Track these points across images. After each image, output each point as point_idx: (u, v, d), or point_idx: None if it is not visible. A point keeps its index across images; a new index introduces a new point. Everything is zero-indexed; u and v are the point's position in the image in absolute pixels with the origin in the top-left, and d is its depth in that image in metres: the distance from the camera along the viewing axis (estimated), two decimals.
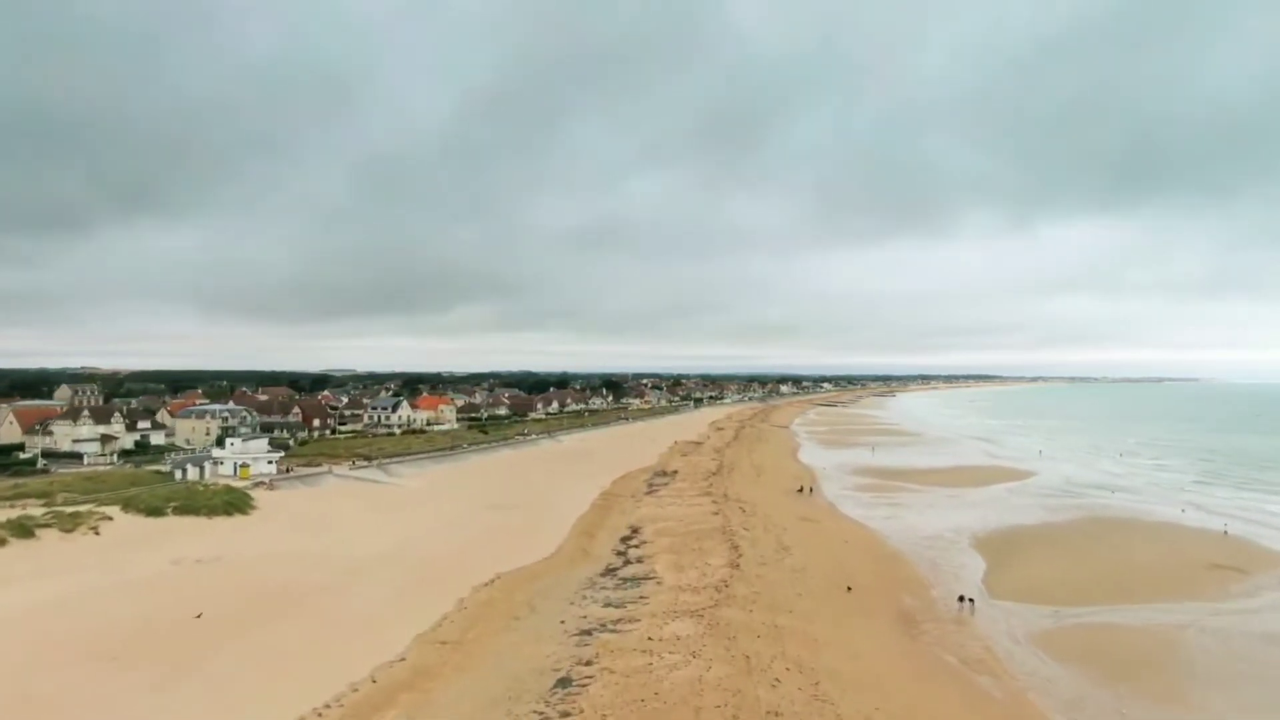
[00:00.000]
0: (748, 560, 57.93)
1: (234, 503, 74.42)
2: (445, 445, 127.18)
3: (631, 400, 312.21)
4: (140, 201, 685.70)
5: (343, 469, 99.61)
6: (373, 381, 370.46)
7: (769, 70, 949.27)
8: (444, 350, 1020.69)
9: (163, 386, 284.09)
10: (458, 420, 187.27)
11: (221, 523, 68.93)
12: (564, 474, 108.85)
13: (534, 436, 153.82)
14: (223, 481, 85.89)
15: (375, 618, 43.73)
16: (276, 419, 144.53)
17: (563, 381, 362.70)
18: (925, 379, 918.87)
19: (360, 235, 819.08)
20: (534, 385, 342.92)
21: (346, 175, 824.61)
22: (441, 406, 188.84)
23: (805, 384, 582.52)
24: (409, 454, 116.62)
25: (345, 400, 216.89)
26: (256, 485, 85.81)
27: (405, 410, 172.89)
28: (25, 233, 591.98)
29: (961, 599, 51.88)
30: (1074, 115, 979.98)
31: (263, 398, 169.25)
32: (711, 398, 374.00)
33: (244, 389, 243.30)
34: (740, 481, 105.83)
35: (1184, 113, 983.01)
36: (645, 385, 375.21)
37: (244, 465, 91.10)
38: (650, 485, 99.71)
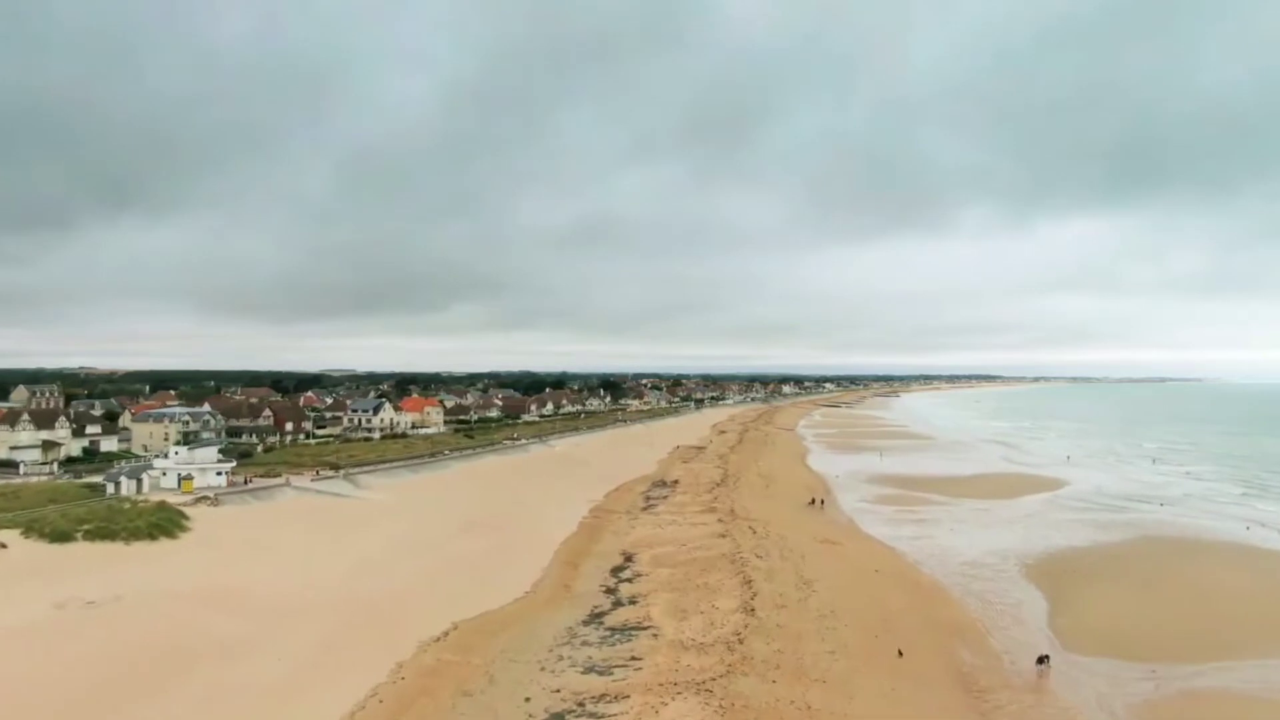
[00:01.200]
0: (764, 600, 47.47)
1: (162, 524, 63.90)
2: (425, 452, 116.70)
3: (630, 401, 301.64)
4: (124, 199, 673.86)
5: (304, 480, 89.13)
6: (370, 382, 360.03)
7: (759, 62, 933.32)
8: (443, 350, 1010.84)
9: (146, 387, 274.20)
10: (445, 423, 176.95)
11: (141, 549, 58.41)
12: (552, 485, 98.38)
13: (524, 441, 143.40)
14: (161, 496, 75.42)
15: (279, 692, 33.24)
16: (245, 423, 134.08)
17: (559, 382, 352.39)
18: (927, 379, 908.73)
19: (351, 233, 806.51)
20: (529, 386, 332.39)
21: (333, 171, 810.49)
22: (428, 408, 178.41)
23: (807, 384, 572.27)
24: (383, 462, 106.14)
25: (330, 401, 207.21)
26: (199, 501, 75.30)
27: (388, 413, 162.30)
28: (10, 230, 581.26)
29: (1041, 659, 41.23)
30: (1070, 109, 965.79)
31: (239, 399, 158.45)
32: (713, 398, 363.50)
33: (231, 390, 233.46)
34: (748, 493, 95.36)
35: (1182, 106, 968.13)
36: (645, 386, 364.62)
37: (188, 477, 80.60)
38: (648, 499, 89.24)
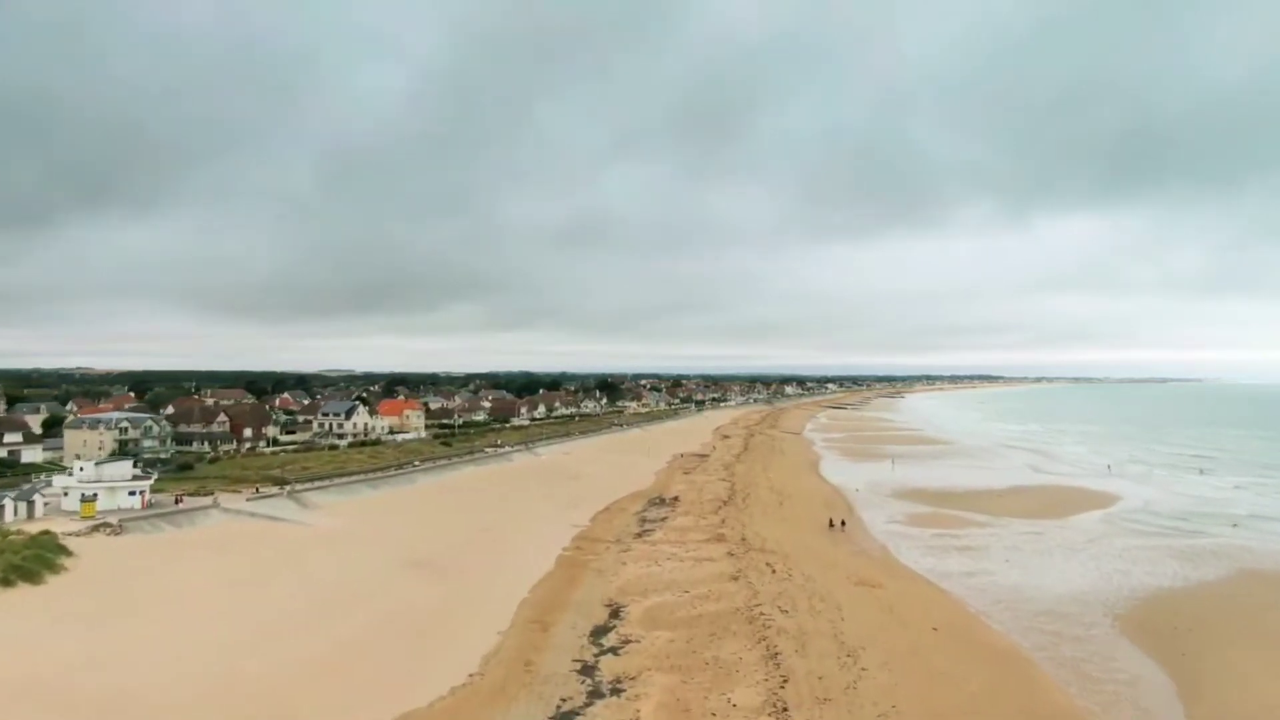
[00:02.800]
0: (799, 688, 34.20)
1: (28, 564, 50.45)
2: (392, 462, 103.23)
3: (628, 403, 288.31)
4: (104, 195, 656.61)
5: (238, 500, 75.73)
6: (367, 382, 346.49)
7: (748, 54, 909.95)
8: (443, 350, 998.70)
9: (125, 388, 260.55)
10: (427, 427, 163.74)
11: None
12: (532, 503, 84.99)
13: (507, 449, 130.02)
14: (52, 522, 62.09)
15: None
16: (197, 429, 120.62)
17: (555, 383, 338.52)
18: (929, 379, 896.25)
19: (341, 231, 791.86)
20: (522, 387, 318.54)
21: (316, 167, 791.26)
22: (407, 412, 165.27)
23: (810, 385, 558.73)
24: (342, 475, 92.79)
25: (307, 403, 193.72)
26: (96, 528, 61.96)
27: (362, 417, 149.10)
28: None
29: None
30: (1069, 102, 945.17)
31: (192, 402, 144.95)
32: (714, 400, 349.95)
33: (201, 391, 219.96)
34: (759, 513, 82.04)
35: (1183, 101, 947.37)
36: (643, 386, 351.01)
37: (91, 498, 67.15)
38: (643, 521, 75.81)
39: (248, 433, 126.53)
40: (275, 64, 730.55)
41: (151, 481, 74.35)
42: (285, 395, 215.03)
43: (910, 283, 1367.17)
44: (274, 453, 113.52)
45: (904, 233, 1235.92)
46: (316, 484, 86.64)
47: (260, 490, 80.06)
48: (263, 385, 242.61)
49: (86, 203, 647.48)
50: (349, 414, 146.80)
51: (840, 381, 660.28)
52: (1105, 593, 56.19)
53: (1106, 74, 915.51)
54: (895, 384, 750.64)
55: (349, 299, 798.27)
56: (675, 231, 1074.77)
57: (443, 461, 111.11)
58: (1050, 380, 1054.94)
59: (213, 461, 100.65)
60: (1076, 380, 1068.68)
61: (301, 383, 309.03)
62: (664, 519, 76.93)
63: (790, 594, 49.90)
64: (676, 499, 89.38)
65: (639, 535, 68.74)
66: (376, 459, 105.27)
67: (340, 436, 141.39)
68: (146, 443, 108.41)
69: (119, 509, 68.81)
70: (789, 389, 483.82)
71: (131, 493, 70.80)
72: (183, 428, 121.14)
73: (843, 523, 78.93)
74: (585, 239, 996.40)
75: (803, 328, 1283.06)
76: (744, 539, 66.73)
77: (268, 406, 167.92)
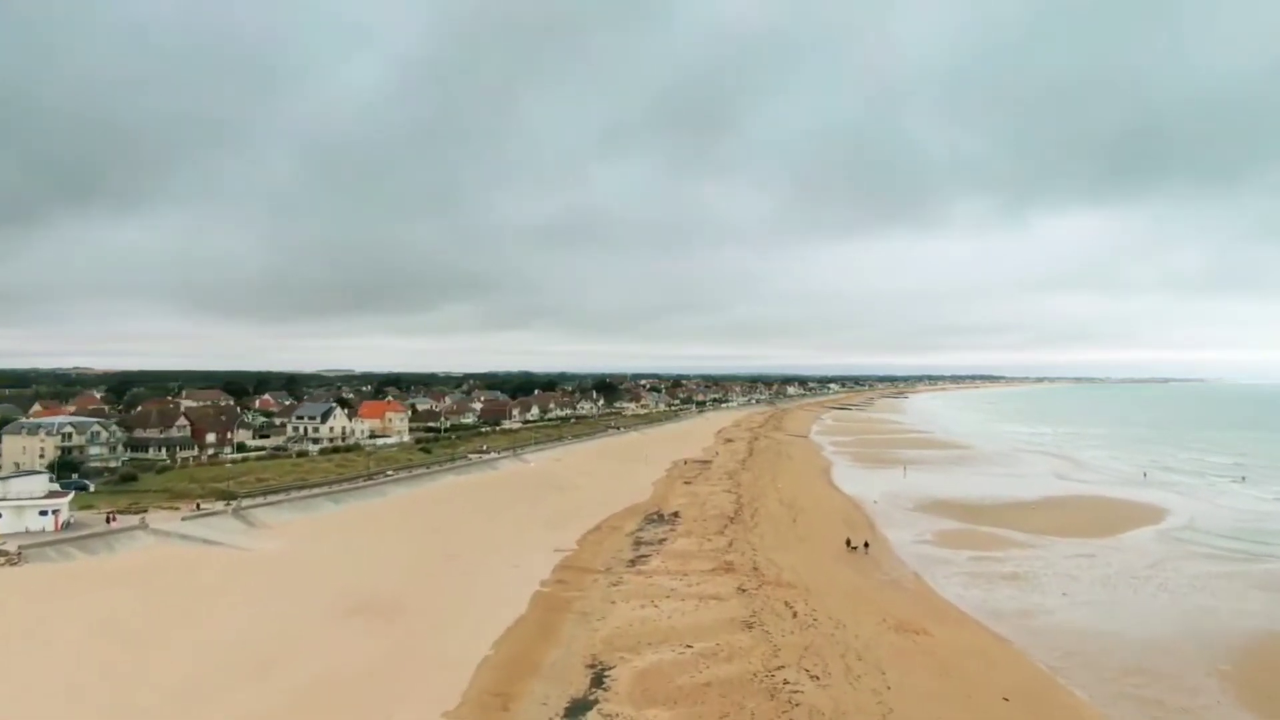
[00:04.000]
0: None
1: None
2: (361, 472, 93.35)
3: (626, 405, 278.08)
4: (87, 192, 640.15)
5: (172, 520, 65.83)
6: (366, 382, 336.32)
7: (740, 46, 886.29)
8: (443, 350, 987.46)
9: (99, 389, 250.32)
10: (411, 430, 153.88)
11: None
12: (512, 522, 75.07)
13: (493, 455, 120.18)
14: None
15: None
16: (153, 434, 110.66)
17: (550, 384, 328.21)
18: (932, 380, 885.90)
19: (332, 230, 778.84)
20: (518, 387, 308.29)
21: (300, 164, 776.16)
22: (390, 415, 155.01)
23: (812, 385, 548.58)
24: (302, 487, 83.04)
25: (288, 404, 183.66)
26: None
27: (339, 420, 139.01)
28: None
29: None
30: (1067, 97, 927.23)
31: (149, 406, 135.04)
32: (715, 400, 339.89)
33: (181, 393, 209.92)
34: (771, 532, 72.15)
35: (1183, 94, 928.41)
36: (642, 387, 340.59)
37: None
38: (637, 544, 65.84)
39: (211, 437, 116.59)
40: (248, 56, 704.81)
41: (70, 498, 64.41)
42: (266, 396, 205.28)
43: (909, 282, 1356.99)
44: (238, 460, 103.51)
45: (902, 231, 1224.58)
46: (270, 498, 76.82)
47: (201, 507, 70.20)
48: (244, 385, 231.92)
49: (72, 200, 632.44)
50: (325, 417, 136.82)
51: (842, 382, 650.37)
52: (1197, 639, 46.41)
53: (1105, 68, 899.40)
54: (897, 384, 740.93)
55: (346, 298, 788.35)
56: (671, 230, 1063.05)
57: (420, 470, 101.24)
58: (1052, 380, 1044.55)
59: (162, 471, 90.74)
60: (1078, 380, 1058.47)
61: (291, 383, 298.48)
62: (662, 540, 67.01)
63: (819, 649, 40.03)
64: (677, 515, 79.46)
65: (633, 563, 58.82)
66: (345, 468, 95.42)
67: (315, 441, 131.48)
68: (94, 450, 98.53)
69: (26, 531, 59.03)
70: (791, 389, 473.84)
71: (44, 512, 60.95)
72: (138, 432, 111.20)
73: (865, 544, 68.98)
74: (579, 237, 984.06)
75: (802, 328, 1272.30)
76: (756, 567, 56.84)
77: (241, 408, 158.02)
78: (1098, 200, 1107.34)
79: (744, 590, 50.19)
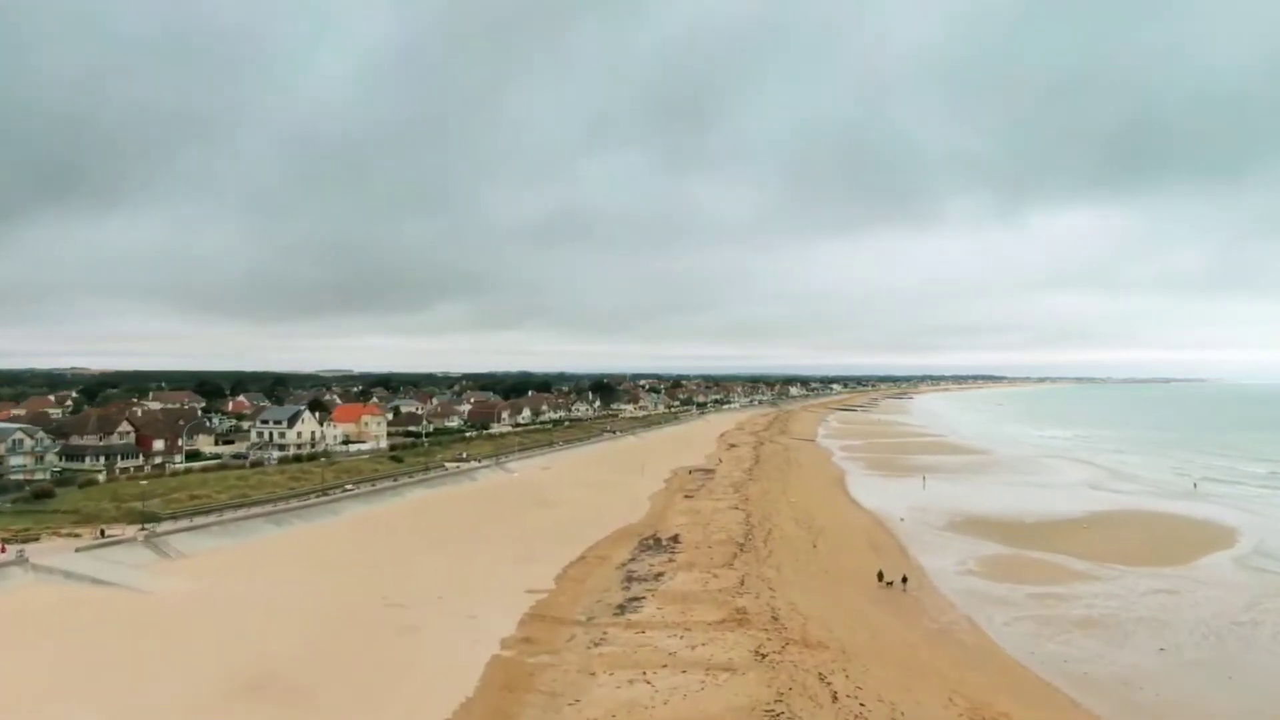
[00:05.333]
0: None
1: None
2: (316, 487, 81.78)
3: (623, 406, 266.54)
4: (66, 189, 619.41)
5: (64, 551, 54.26)
6: (363, 383, 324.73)
7: (727, 36, 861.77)
8: (443, 350, 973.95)
9: (79, 389, 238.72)
10: (390, 435, 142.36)
11: None
12: (481, 550, 63.42)
13: (473, 463, 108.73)
14: None
15: None
16: (91, 442, 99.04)
17: (545, 384, 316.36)
18: (934, 380, 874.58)
19: (326, 227, 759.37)
20: (511, 388, 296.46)
21: (284, 160, 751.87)
22: (366, 418, 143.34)
23: (814, 385, 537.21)
24: (243, 505, 71.54)
25: (263, 406, 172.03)
26: None
27: (308, 425, 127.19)
28: None
29: None
30: (1064, 89, 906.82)
31: (157, 406, 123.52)
32: (716, 401, 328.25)
33: (148, 395, 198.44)
34: (790, 563, 60.66)
35: (1184, 88, 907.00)
36: (641, 388, 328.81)
37: None
38: (629, 581, 54.25)
39: (159, 445, 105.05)
40: (216, 46, 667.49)
41: None
42: (241, 398, 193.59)
43: (907, 280, 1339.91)
44: (179, 472, 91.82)
45: (898, 228, 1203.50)
46: (198, 521, 65.27)
47: (106, 534, 58.64)
48: (220, 386, 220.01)
49: (52, 199, 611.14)
50: (292, 421, 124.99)
51: (844, 382, 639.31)
52: None
53: (1104, 61, 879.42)
54: (899, 384, 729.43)
55: (343, 297, 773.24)
56: (666, 227, 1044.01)
57: (386, 483, 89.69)
58: (1054, 380, 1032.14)
59: (86, 486, 79.06)
60: (1080, 380, 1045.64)
61: (278, 383, 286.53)
62: (659, 575, 55.44)
63: None
64: (676, 540, 67.91)
65: (622, 610, 47.27)
66: (300, 481, 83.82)
67: (282, 448, 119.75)
68: (15, 460, 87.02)
69: None
70: (793, 390, 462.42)
71: None
72: (75, 440, 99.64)
73: (904, 579, 57.46)
74: (573, 234, 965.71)
75: (801, 327, 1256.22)
76: (776, 617, 45.34)
77: (215, 411, 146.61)
78: (1096, 197, 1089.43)
79: (763, 655, 38.69)
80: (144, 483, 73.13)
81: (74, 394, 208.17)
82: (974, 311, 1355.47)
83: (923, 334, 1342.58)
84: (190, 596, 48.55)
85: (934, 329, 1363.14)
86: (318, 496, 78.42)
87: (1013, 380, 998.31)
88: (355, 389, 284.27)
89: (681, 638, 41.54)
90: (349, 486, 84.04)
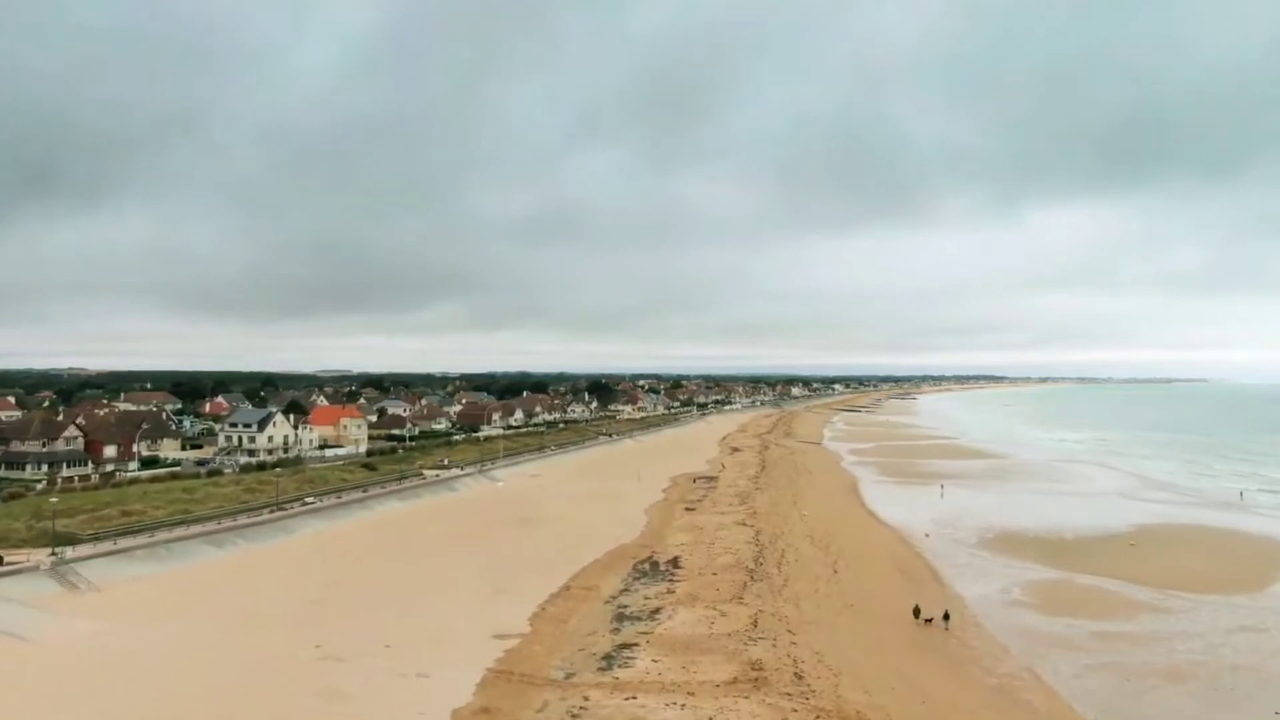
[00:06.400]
0: None
1: None
2: (269, 501, 72.90)
3: (621, 408, 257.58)
4: (48, 187, 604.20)
5: None
6: (361, 384, 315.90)
7: (716, 29, 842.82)
8: (443, 350, 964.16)
9: (56, 391, 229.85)
10: (371, 439, 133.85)
11: None
12: (448, 578, 54.56)
13: (456, 471, 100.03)
14: None
15: None
16: (33, 448, 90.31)
17: (541, 384, 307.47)
18: (935, 380, 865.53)
19: (319, 226, 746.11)
20: (506, 388, 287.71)
21: (267, 155, 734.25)
22: (345, 421, 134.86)
23: (816, 386, 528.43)
24: (181, 523, 62.74)
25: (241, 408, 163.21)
26: None
27: (280, 429, 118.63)
28: None
29: None
30: (1062, 84, 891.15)
31: (128, 407, 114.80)
32: (717, 402, 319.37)
33: (120, 396, 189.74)
34: (809, 596, 51.90)
35: (1183, 82, 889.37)
36: (640, 388, 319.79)
37: None
38: (618, 623, 45.36)
39: (111, 451, 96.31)
40: (189, 37, 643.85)
41: None
42: (220, 399, 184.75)
43: (905, 280, 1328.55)
44: (124, 482, 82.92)
45: (894, 226, 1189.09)
46: (124, 543, 56.52)
47: (4, 560, 49.80)
48: (200, 386, 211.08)
49: (34, 196, 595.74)
50: (262, 425, 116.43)
51: (846, 382, 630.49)
52: None
53: (1101, 54, 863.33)
54: (901, 385, 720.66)
55: (338, 297, 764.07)
56: (662, 225, 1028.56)
57: (354, 494, 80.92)
58: (1055, 380, 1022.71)
59: (9, 500, 70.15)
60: (1081, 380, 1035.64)
61: (267, 384, 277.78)
62: (655, 613, 46.62)
63: None
64: (676, 564, 59.11)
65: (609, 662, 38.45)
66: (254, 493, 74.96)
67: (251, 453, 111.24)
68: None
69: None
70: (795, 390, 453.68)
71: None
72: (15, 446, 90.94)
73: (945, 616, 48.66)
74: (566, 233, 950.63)
75: (800, 327, 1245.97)
76: (799, 674, 36.59)
77: (192, 414, 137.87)
78: (1095, 194, 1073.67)
79: None
80: (56, 498, 63.84)
81: (52, 395, 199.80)
82: (973, 311, 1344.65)
83: (922, 334, 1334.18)
84: (84, 645, 39.76)
85: (933, 329, 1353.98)
86: (271, 511, 69.62)
87: (1014, 380, 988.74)
88: (347, 390, 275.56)
89: (683, 706, 32.74)
90: (310, 499, 75.22)
